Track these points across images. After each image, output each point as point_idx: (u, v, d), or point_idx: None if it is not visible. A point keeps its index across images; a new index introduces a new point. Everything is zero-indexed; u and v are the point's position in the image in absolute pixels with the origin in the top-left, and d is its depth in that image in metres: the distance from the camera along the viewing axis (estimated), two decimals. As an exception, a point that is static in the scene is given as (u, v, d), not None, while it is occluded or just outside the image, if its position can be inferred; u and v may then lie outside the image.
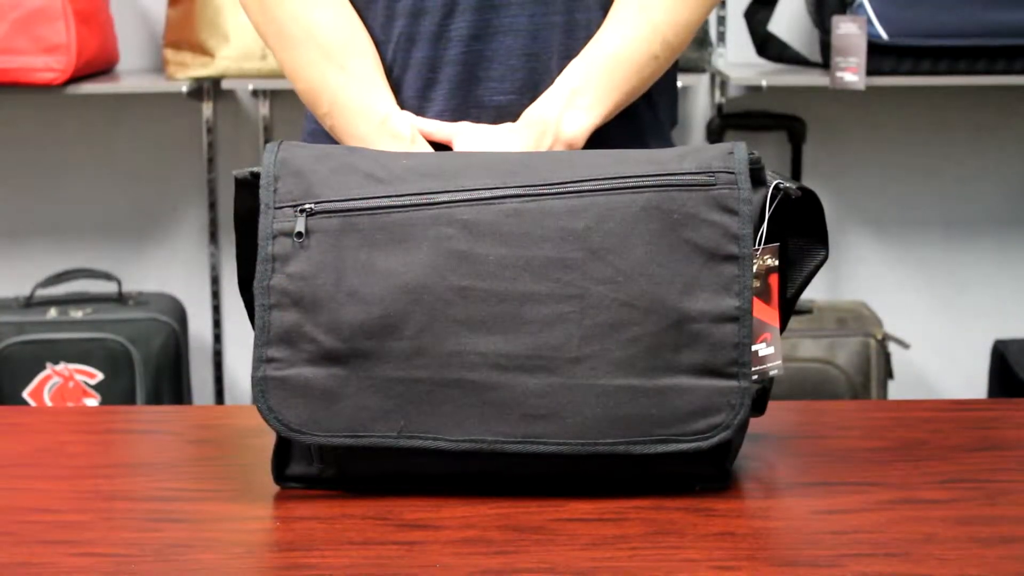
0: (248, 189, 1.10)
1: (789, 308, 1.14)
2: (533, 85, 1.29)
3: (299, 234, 1.07)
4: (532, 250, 1.06)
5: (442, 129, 1.28)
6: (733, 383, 1.06)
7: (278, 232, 1.07)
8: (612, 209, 1.06)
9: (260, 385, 1.06)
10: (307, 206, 1.07)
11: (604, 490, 1.08)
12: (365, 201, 1.07)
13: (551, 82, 1.29)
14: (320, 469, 1.10)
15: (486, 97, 1.29)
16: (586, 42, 1.30)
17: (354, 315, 1.05)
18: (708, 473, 1.10)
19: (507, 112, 1.29)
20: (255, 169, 1.10)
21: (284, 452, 1.11)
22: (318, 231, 1.07)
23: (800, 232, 1.12)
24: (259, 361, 1.06)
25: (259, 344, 1.07)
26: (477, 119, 1.29)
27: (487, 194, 1.07)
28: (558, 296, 1.05)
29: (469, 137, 1.27)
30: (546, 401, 1.05)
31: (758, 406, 1.17)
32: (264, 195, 1.08)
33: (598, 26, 1.30)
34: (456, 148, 1.27)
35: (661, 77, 1.34)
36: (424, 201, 1.07)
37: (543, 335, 1.05)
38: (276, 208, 1.08)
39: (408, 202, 1.07)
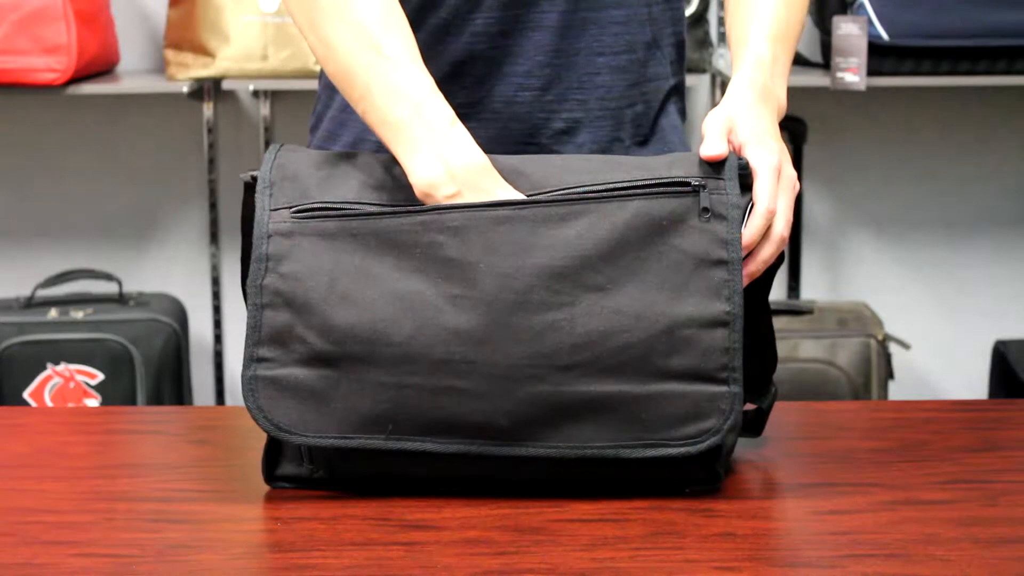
0: (253, 192, 1.11)
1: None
2: (558, 81, 1.26)
3: (290, 233, 1.07)
4: (522, 258, 1.05)
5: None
6: (723, 388, 1.05)
7: (273, 232, 1.07)
8: (602, 217, 1.06)
9: (250, 384, 1.07)
10: (299, 207, 1.08)
11: (594, 493, 1.08)
12: (360, 206, 1.08)
13: (575, 79, 1.26)
14: (310, 470, 1.10)
15: (510, 92, 1.26)
16: (620, 39, 1.27)
17: (345, 318, 1.06)
18: (698, 477, 1.09)
19: (527, 108, 1.27)
20: (255, 172, 1.11)
21: (274, 452, 1.11)
22: (312, 234, 1.08)
23: None
24: (250, 360, 1.07)
25: (250, 343, 1.07)
26: (497, 114, 1.27)
27: (478, 201, 1.08)
28: (549, 304, 1.05)
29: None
30: (537, 408, 1.05)
31: (755, 427, 1.17)
32: (260, 197, 1.09)
33: (637, 22, 1.28)
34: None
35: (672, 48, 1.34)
36: (415, 208, 1.07)
37: (534, 344, 1.05)
38: (272, 210, 1.08)
39: (400, 209, 1.07)
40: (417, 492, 1.09)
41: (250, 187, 1.11)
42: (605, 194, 1.07)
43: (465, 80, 1.26)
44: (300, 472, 1.11)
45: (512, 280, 1.05)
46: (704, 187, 1.07)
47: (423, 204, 1.09)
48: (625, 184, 1.07)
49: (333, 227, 1.07)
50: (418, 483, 1.09)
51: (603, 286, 1.05)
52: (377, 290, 1.06)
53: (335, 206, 1.08)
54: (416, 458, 1.07)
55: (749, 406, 1.17)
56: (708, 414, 1.05)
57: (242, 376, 1.07)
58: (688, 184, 1.07)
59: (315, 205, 1.08)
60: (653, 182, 1.07)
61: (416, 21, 1.25)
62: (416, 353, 1.05)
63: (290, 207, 1.09)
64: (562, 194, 1.07)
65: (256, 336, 1.07)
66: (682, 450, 1.05)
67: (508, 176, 1.10)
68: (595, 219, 1.06)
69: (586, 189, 1.07)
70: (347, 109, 1.30)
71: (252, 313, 1.07)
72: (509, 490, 1.08)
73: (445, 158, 1.10)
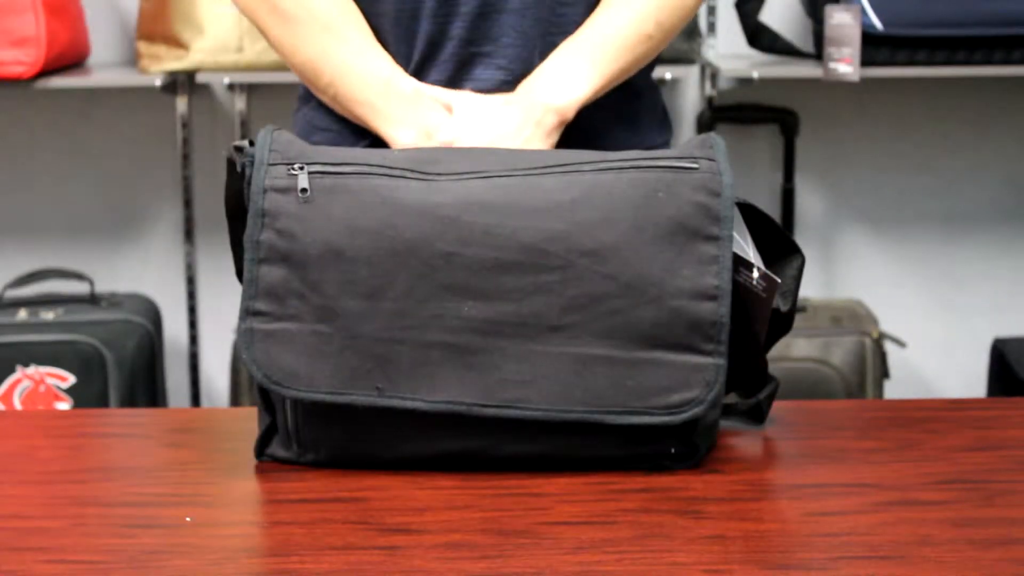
0: (235, 170, 1.12)
1: (786, 321, 1.16)
2: (521, 61, 1.34)
3: (303, 190, 1.10)
4: (518, 220, 1.08)
5: (442, 95, 1.33)
6: (708, 360, 1.08)
7: (269, 187, 1.10)
8: (598, 185, 1.09)
9: (245, 336, 1.09)
10: (302, 164, 1.11)
11: (573, 467, 1.10)
12: (357, 167, 1.11)
13: (537, 59, 1.34)
14: (298, 453, 1.13)
15: (482, 71, 1.34)
16: (573, 19, 1.35)
17: (340, 274, 1.08)
18: (678, 449, 1.11)
19: (497, 90, 1.34)
20: (240, 143, 1.13)
21: (266, 436, 1.14)
22: (309, 189, 1.11)
23: (767, 250, 1.15)
24: (246, 313, 1.10)
25: (247, 297, 1.10)
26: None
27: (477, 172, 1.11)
28: (541, 266, 1.08)
29: (466, 105, 1.32)
30: (524, 367, 1.08)
31: (756, 416, 1.21)
32: (259, 152, 1.12)
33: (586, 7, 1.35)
34: (453, 113, 1.32)
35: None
36: (414, 176, 1.10)
37: (525, 303, 1.08)
38: (270, 165, 1.11)
39: (399, 173, 1.10)
40: (400, 467, 1.10)
41: (233, 164, 1.12)
42: (603, 167, 1.10)
43: (441, 65, 1.35)
44: (288, 455, 1.13)
45: (506, 240, 1.08)
46: (699, 167, 1.10)
47: (418, 173, 1.11)
48: (621, 158, 1.11)
49: (330, 183, 1.10)
50: (404, 463, 1.11)
51: (596, 252, 1.08)
52: (372, 247, 1.08)
53: (333, 164, 1.11)
54: (402, 429, 1.09)
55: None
56: (692, 384, 1.08)
57: (238, 328, 1.10)
58: (684, 163, 1.10)
59: (313, 163, 1.11)
60: (648, 157, 1.11)
61: (393, 3, 1.34)
62: (409, 309, 1.08)
63: (288, 163, 1.11)
64: (559, 169, 1.11)
65: (252, 290, 1.10)
66: (664, 419, 1.08)
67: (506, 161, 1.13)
68: (591, 187, 1.09)
69: (584, 164, 1.11)
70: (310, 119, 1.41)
71: (248, 267, 1.10)
72: (491, 465, 1.10)
73: (421, 123, 1.27)
